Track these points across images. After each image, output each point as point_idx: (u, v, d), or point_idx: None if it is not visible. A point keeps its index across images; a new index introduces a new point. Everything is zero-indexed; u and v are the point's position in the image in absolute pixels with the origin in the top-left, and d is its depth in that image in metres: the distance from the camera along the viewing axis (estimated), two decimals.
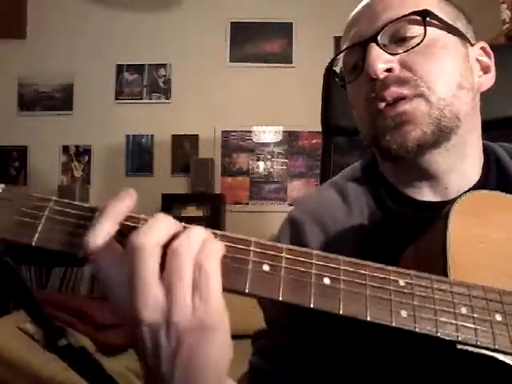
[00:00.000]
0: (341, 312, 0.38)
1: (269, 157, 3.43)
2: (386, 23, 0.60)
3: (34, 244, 0.37)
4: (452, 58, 0.62)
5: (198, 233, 0.38)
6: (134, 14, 3.44)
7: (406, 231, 0.59)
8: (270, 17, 3.45)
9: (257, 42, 3.48)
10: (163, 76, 3.48)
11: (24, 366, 1.95)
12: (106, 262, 0.38)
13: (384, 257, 0.58)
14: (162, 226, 0.38)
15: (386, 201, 0.66)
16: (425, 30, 0.60)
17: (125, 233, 0.39)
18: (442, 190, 0.64)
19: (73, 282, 3.04)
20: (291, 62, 3.46)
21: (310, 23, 3.41)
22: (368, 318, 0.39)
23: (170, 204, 3.11)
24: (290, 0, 3.44)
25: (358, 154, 1.02)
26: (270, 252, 0.40)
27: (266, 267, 0.39)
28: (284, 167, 3.41)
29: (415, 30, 0.60)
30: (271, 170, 3.42)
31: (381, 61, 0.59)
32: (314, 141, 3.31)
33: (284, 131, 3.42)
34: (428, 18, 0.60)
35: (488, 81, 0.66)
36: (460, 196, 0.52)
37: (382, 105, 0.60)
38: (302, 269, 0.40)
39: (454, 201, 0.52)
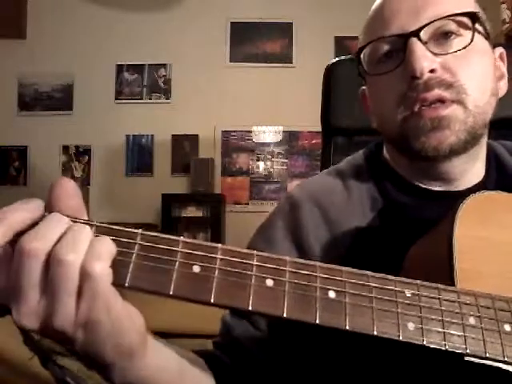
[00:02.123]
0: (347, 327, 0.37)
1: (269, 157, 3.43)
2: (433, 19, 0.58)
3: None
4: (488, 65, 0.61)
5: (83, 234, 0.36)
6: (134, 13, 3.45)
7: (410, 219, 0.59)
8: (270, 17, 3.45)
9: (257, 42, 3.48)
10: (163, 76, 3.48)
11: (24, 366, 1.95)
12: None
13: (384, 245, 0.58)
14: (51, 230, 0.35)
15: (390, 189, 0.66)
16: (473, 34, 0.58)
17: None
18: (453, 187, 0.64)
19: None
20: (291, 62, 3.46)
21: (310, 23, 3.41)
22: (375, 333, 0.38)
23: (170, 204, 3.11)
24: (290, 0, 3.44)
25: None
26: (273, 266, 0.38)
27: (269, 282, 0.37)
28: (284, 167, 3.42)
29: (460, 32, 0.59)
30: (271, 170, 3.42)
31: (426, 60, 0.57)
32: (314, 141, 3.31)
33: (284, 131, 3.42)
34: (476, 22, 0.59)
35: (504, 86, 0.66)
36: (469, 190, 0.52)
37: (417, 106, 0.58)
38: (306, 282, 0.38)
39: (461, 194, 0.51)
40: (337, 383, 0.59)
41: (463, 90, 0.58)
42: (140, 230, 0.37)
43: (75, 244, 0.35)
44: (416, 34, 0.58)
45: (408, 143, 0.60)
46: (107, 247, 0.35)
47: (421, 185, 0.65)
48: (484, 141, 0.65)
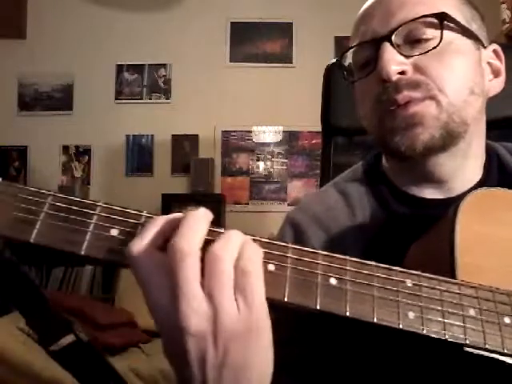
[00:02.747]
0: (347, 314, 0.38)
1: (269, 157, 3.43)
2: (402, 23, 0.59)
3: (32, 241, 0.36)
4: (465, 63, 0.61)
5: (237, 236, 0.37)
6: (134, 13, 3.44)
7: (409, 229, 0.59)
8: (270, 17, 3.45)
9: (257, 42, 3.48)
10: (163, 76, 3.48)
11: (24, 366, 1.95)
12: (146, 267, 0.36)
13: (388, 256, 0.58)
14: (201, 227, 0.37)
15: (389, 200, 0.66)
16: (441, 33, 0.59)
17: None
18: (446, 190, 0.64)
19: (73, 282, 3.05)
20: (291, 62, 3.46)
21: (310, 23, 3.41)
22: (375, 320, 0.38)
23: (170, 204, 3.10)
24: (290, 0, 3.44)
25: (358, 153, 1.02)
26: (276, 252, 0.39)
27: (271, 267, 0.38)
28: (284, 167, 3.41)
29: (431, 32, 0.59)
30: (271, 169, 3.42)
31: (394, 63, 0.58)
32: (314, 141, 3.31)
33: (284, 131, 3.42)
34: (445, 22, 0.59)
35: (498, 84, 0.65)
36: (465, 194, 0.52)
37: (390, 107, 0.59)
38: (308, 269, 0.39)
39: (457, 198, 0.51)
40: (335, 374, 0.59)
41: (435, 86, 0.58)
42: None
43: (230, 243, 0.37)
44: (387, 38, 0.59)
45: (385, 144, 0.61)
46: (258, 250, 0.38)
47: (416, 193, 0.65)
48: (473, 139, 0.64)
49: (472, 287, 0.43)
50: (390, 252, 0.59)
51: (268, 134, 3.43)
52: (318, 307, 0.37)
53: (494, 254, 0.47)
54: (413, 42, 0.60)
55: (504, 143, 0.71)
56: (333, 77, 1.05)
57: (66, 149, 3.45)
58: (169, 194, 3.15)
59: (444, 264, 0.46)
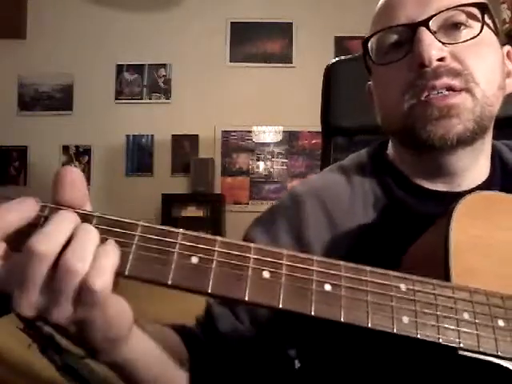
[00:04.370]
0: (342, 319, 0.38)
1: (269, 157, 3.43)
2: (441, 9, 0.58)
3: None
4: (497, 59, 0.61)
5: (91, 243, 0.36)
6: (134, 13, 3.45)
7: (412, 217, 0.59)
8: (270, 17, 3.46)
9: (257, 42, 3.48)
10: (163, 76, 3.48)
11: (24, 366, 1.95)
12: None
13: (387, 243, 0.58)
14: (57, 231, 0.36)
15: (393, 188, 0.65)
16: (482, 23, 0.58)
17: (24, 231, 0.36)
18: (456, 185, 0.64)
19: None
20: (291, 62, 3.46)
21: (310, 23, 3.41)
22: (369, 325, 0.38)
23: (170, 204, 3.11)
24: (290, 0, 3.44)
25: None
26: (270, 259, 0.39)
27: (266, 274, 0.38)
28: (284, 167, 3.42)
29: (469, 23, 0.59)
30: (271, 170, 3.42)
31: (435, 48, 0.57)
32: (314, 141, 3.31)
33: (284, 131, 3.42)
34: (486, 13, 0.59)
35: (510, 85, 0.65)
36: (473, 191, 0.52)
37: (425, 94, 0.58)
38: (302, 275, 0.39)
39: (463, 194, 0.51)
40: (330, 378, 0.59)
41: (472, 78, 0.58)
42: (141, 222, 0.38)
43: (83, 252, 0.36)
44: (425, 23, 0.57)
45: (414, 133, 0.59)
46: (111, 261, 0.36)
47: (423, 184, 0.65)
48: (489, 137, 0.64)
49: (466, 291, 0.43)
50: (389, 239, 0.59)
51: (268, 134, 3.43)
52: (313, 314, 0.38)
53: (489, 256, 0.47)
54: (449, 30, 0.59)
55: (505, 141, 0.71)
56: (333, 77, 1.05)
57: (65, 149, 3.45)
58: (169, 194, 3.16)
59: (439, 267, 0.46)
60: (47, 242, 0.35)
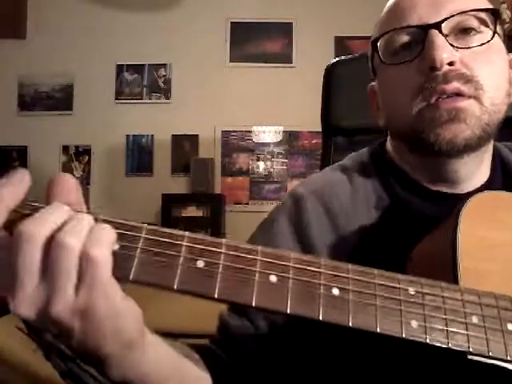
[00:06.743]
0: (350, 324, 0.37)
1: (269, 157, 3.43)
2: (454, 13, 0.58)
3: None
4: (504, 65, 0.61)
5: (85, 221, 0.35)
6: (133, 13, 3.44)
7: (415, 217, 0.59)
8: (270, 17, 3.45)
9: (257, 42, 3.48)
10: (163, 76, 3.48)
11: (23, 366, 1.95)
12: None
13: (391, 243, 0.58)
14: (52, 216, 0.35)
15: (395, 187, 0.65)
16: (495, 29, 0.58)
17: (16, 221, 0.36)
18: (458, 188, 0.64)
19: None
20: (291, 62, 3.46)
21: (310, 23, 3.41)
22: (378, 330, 0.38)
23: (170, 204, 3.10)
24: (290, 0, 3.44)
25: None
26: (277, 261, 0.38)
27: (273, 278, 0.37)
28: (284, 167, 3.41)
29: (481, 28, 0.59)
30: (271, 170, 3.42)
31: (446, 52, 0.56)
32: (314, 141, 3.31)
33: (284, 131, 3.41)
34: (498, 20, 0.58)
35: None
36: (474, 193, 0.51)
37: (435, 98, 0.57)
38: (310, 279, 0.38)
39: (466, 195, 0.51)
40: (338, 382, 0.59)
41: (480, 86, 0.57)
42: (146, 225, 0.37)
43: (76, 228, 0.35)
44: (437, 26, 0.57)
45: (422, 136, 0.59)
46: (107, 234, 0.35)
47: (427, 184, 0.65)
48: (491, 142, 0.64)
49: (474, 293, 0.42)
50: (392, 238, 0.58)
51: (268, 134, 3.43)
52: (321, 318, 0.37)
53: (497, 258, 0.47)
54: (460, 35, 0.59)
55: (505, 143, 0.71)
56: (333, 77, 1.06)
57: (65, 149, 3.44)
58: (169, 194, 3.15)
59: (447, 269, 0.46)
60: (36, 224, 0.34)
